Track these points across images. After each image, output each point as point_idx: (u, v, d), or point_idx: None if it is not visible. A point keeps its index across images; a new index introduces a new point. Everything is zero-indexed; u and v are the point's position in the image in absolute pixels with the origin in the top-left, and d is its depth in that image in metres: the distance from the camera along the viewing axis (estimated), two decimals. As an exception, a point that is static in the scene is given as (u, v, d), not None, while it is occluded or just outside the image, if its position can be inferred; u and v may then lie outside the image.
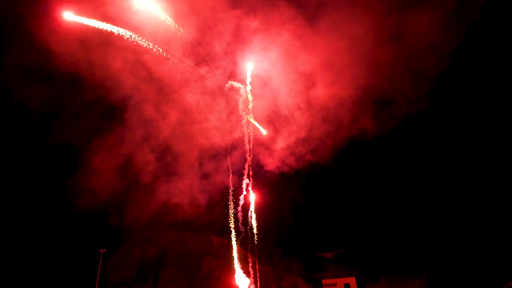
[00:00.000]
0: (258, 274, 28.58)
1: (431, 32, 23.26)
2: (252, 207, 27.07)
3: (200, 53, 24.53)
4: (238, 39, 24.77)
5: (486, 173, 25.34)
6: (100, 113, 25.73)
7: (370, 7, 23.62)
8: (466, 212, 25.65)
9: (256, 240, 28.07)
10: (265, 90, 25.64)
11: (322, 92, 25.24)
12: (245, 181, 26.95)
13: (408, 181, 26.91)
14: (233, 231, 27.58)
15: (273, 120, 26.58)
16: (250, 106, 24.93)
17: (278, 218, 29.38)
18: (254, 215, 27.08)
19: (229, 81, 23.93)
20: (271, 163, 27.90)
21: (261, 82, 25.49)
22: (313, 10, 24.08)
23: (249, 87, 24.58)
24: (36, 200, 26.38)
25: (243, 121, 25.62)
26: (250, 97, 24.65)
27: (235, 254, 27.53)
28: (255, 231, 27.70)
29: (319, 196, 29.28)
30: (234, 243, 27.21)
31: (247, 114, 25.23)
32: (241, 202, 27.44)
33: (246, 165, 26.39)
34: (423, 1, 22.81)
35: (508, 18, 22.76)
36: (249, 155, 25.84)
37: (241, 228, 27.97)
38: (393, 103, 25.76)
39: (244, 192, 26.99)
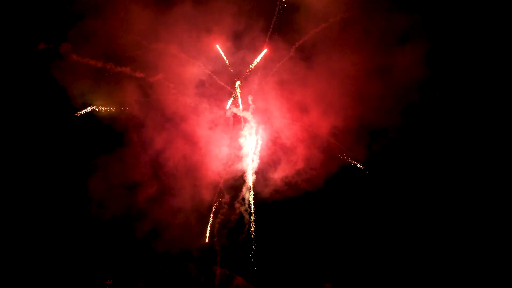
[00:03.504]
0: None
1: (413, 68, 24.85)
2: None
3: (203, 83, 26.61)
4: (240, 74, 26.89)
5: (479, 204, 26.31)
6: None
7: (357, 47, 25.84)
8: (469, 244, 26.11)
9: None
10: (264, 121, 27.43)
11: (315, 122, 27.22)
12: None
13: (404, 210, 27.95)
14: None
15: (273, 149, 28.23)
16: (250, 135, 26.56)
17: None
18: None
19: (230, 107, 25.62)
20: (266, 191, 29.01)
21: (260, 113, 27.27)
22: (308, 51, 26.41)
23: (250, 116, 26.40)
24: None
25: (244, 151, 27.25)
26: (252, 126, 26.40)
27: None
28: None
29: (310, 223, 29.61)
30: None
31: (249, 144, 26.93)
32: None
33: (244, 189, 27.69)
34: (405, 40, 25.12)
35: (483, 53, 25.18)
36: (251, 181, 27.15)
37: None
38: (383, 133, 27.37)
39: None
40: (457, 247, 26.40)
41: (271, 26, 25.80)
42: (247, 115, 26.83)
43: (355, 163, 27.97)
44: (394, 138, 26.93)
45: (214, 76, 26.86)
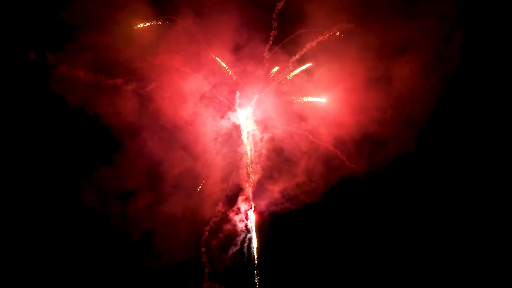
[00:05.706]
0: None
1: (413, 79, 25.22)
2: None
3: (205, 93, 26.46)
4: (242, 85, 26.84)
5: (480, 214, 26.00)
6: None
7: (357, 58, 26.09)
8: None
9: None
10: (265, 131, 27.34)
11: (316, 133, 27.21)
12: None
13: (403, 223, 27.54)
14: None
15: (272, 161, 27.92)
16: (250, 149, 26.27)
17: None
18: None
19: (230, 117, 25.40)
20: (262, 205, 28.54)
21: (260, 123, 27.14)
22: (309, 61, 26.68)
23: (250, 127, 26.22)
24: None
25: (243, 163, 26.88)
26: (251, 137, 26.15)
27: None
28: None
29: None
30: None
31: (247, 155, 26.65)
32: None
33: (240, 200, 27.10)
34: (403, 50, 25.43)
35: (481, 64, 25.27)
36: (250, 194, 26.78)
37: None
38: (384, 145, 27.27)
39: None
40: (461, 272, 25.68)
41: (271, 38, 26.01)
42: (247, 125, 26.68)
43: (356, 175, 27.73)
44: (396, 149, 26.76)
45: (214, 87, 26.88)
